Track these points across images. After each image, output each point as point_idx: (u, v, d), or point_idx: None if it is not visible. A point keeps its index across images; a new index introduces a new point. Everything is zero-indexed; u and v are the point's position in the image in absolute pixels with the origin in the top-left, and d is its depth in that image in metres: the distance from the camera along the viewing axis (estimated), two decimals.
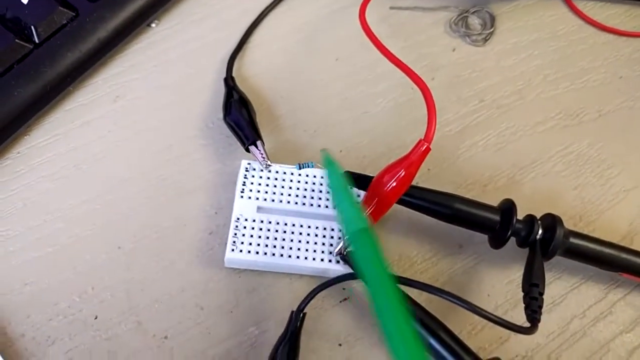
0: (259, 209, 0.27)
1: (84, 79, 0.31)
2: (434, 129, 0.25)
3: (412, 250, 0.28)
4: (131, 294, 0.26)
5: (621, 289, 0.28)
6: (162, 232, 0.27)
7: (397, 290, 0.21)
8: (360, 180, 0.27)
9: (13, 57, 0.29)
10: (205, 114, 0.31)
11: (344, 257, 0.26)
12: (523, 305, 0.25)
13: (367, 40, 0.30)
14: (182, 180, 0.29)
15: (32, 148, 0.29)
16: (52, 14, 0.30)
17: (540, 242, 0.26)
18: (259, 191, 0.28)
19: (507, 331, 0.25)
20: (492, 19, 0.36)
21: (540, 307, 0.24)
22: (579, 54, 0.35)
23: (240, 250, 0.26)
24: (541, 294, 0.24)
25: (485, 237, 0.27)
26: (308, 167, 0.28)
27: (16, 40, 0.29)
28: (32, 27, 0.29)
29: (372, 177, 0.26)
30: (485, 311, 0.23)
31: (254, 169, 0.28)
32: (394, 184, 0.25)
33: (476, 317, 0.24)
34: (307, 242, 0.26)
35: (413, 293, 0.25)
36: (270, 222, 0.27)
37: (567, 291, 0.28)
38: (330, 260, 0.26)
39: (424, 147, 0.25)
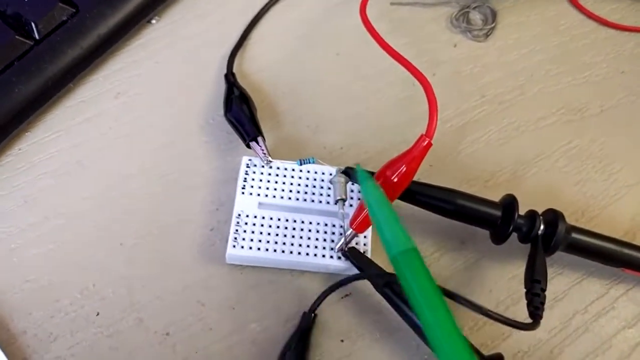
0: (260, 205, 0.27)
1: (85, 76, 0.31)
2: (435, 124, 0.25)
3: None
4: (133, 291, 0.26)
5: (623, 284, 0.28)
6: (163, 229, 0.27)
7: (451, 316, 0.19)
8: None
9: (14, 54, 0.29)
10: (207, 111, 0.31)
11: (346, 253, 0.26)
12: (525, 301, 0.25)
13: (368, 36, 0.30)
14: (183, 176, 0.29)
15: (33, 145, 0.29)
16: (52, 10, 0.30)
17: (542, 238, 0.26)
18: (260, 187, 0.28)
19: (509, 327, 0.25)
20: (494, 14, 0.36)
21: (543, 303, 0.24)
22: (581, 49, 0.35)
23: (242, 247, 0.26)
24: (543, 290, 0.24)
25: (487, 233, 0.27)
26: (309, 163, 0.28)
27: (17, 37, 0.29)
28: (33, 24, 0.29)
29: (374, 173, 0.26)
30: (488, 310, 0.23)
31: (255, 165, 0.28)
32: (396, 179, 0.25)
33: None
34: (309, 238, 0.26)
35: None
36: (271, 218, 0.27)
37: (569, 287, 0.28)
38: (331, 256, 0.26)
39: (426, 143, 0.25)
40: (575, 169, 0.31)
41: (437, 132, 0.25)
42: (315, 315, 0.24)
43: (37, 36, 0.30)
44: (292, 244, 0.26)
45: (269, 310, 0.26)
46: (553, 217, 0.26)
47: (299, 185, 0.28)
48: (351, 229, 0.26)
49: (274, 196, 0.27)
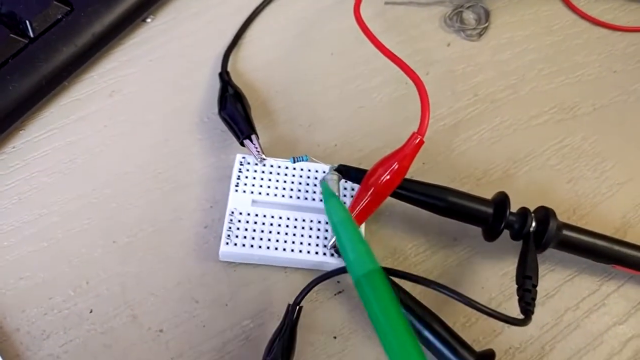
0: (254, 202, 0.27)
1: (80, 74, 0.31)
2: (428, 122, 0.25)
3: (407, 243, 0.28)
4: (126, 288, 0.26)
5: (614, 281, 0.28)
6: (157, 226, 0.28)
7: (414, 338, 0.19)
8: (354, 174, 0.27)
9: (8, 52, 0.29)
10: (201, 109, 0.31)
11: (338, 250, 0.26)
12: (517, 297, 0.25)
13: (362, 35, 0.30)
14: (177, 174, 0.29)
15: (27, 143, 0.29)
16: (47, 9, 0.30)
17: (534, 235, 0.26)
18: (253, 185, 0.28)
19: (501, 323, 0.25)
20: (487, 13, 0.36)
21: (534, 299, 0.24)
22: (574, 48, 0.35)
23: (235, 244, 0.26)
24: (534, 285, 0.24)
25: (480, 230, 0.27)
26: (302, 160, 0.28)
27: (11, 35, 0.29)
28: (27, 22, 0.29)
29: (366, 171, 0.26)
30: (479, 303, 0.23)
31: (249, 163, 0.28)
32: (388, 176, 0.25)
33: (470, 309, 0.24)
34: (302, 235, 0.27)
35: (407, 286, 0.25)
36: (264, 216, 0.27)
37: (561, 283, 0.28)
38: (324, 253, 0.26)
39: (418, 140, 0.25)
40: (567, 167, 0.31)
41: (430, 131, 0.25)
42: (301, 306, 0.24)
43: (31, 34, 0.30)
44: (285, 241, 0.26)
45: (262, 307, 0.26)
46: (544, 214, 0.26)
47: (293, 182, 0.28)
48: None
49: (268, 194, 0.28)
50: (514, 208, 0.26)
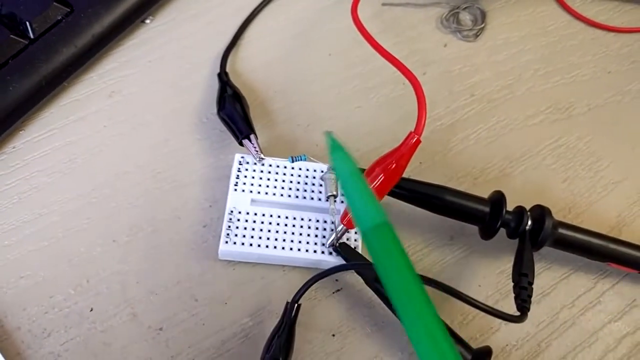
0: (253, 201, 0.27)
1: (79, 75, 0.32)
2: (424, 121, 0.26)
3: (404, 241, 0.28)
4: (126, 287, 0.26)
5: (610, 278, 0.28)
6: (157, 225, 0.28)
7: (424, 292, 0.18)
8: None
9: (8, 53, 0.29)
10: (200, 109, 0.31)
11: (337, 248, 0.26)
12: (513, 295, 0.25)
13: (359, 36, 0.30)
14: (176, 174, 0.29)
15: (27, 143, 0.30)
16: (47, 10, 0.30)
17: (530, 233, 0.26)
18: (252, 184, 0.28)
19: (498, 321, 0.25)
20: (483, 14, 0.36)
21: (530, 296, 0.25)
22: (569, 49, 0.36)
23: (234, 243, 0.26)
24: (530, 283, 0.25)
25: (476, 228, 0.28)
26: (301, 160, 0.28)
27: (11, 36, 0.29)
28: (27, 23, 0.30)
29: (364, 170, 0.26)
30: (475, 301, 0.24)
31: (248, 163, 0.28)
32: (385, 176, 0.25)
33: (467, 307, 0.24)
34: (300, 234, 0.27)
35: None
36: (263, 215, 0.27)
37: (557, 281, 0.28)
38: (323, 252, 0.26)
39: (414, 140, 0.26)
40: (562, 166, 0.31)
41: (427, 130, 0.26)
42: (299, 304, 0.25)
43: (31, 35, 0.30)
44: (284, 240, 0.27)
45: (261, 305, 0.26)
46: (540, 213, 0.26)
47: (291, 182, 0.28)
48: (342, 225, 0.26)
49: (266, 193, 0.28)
50: (510, 207, 0.27)
